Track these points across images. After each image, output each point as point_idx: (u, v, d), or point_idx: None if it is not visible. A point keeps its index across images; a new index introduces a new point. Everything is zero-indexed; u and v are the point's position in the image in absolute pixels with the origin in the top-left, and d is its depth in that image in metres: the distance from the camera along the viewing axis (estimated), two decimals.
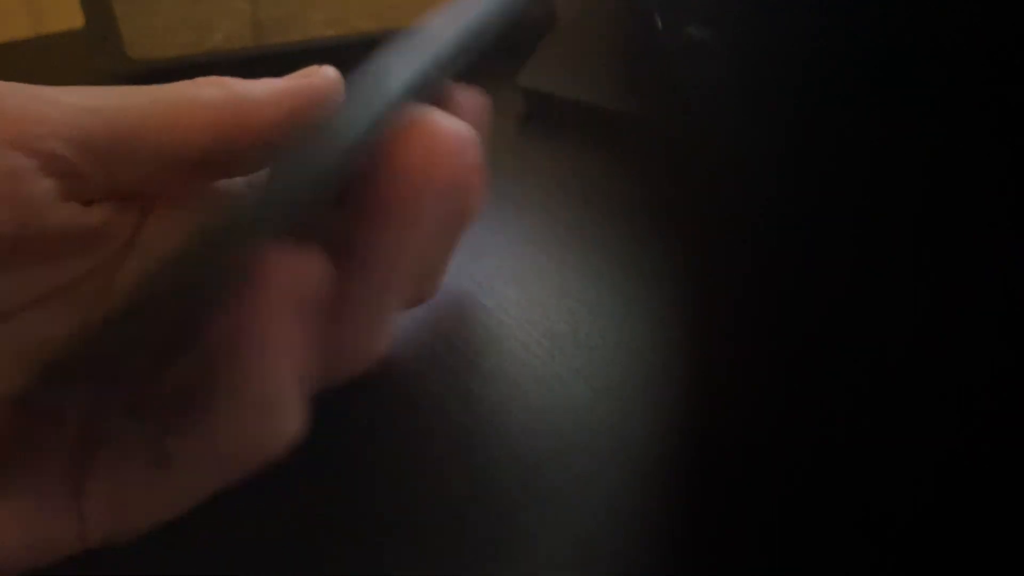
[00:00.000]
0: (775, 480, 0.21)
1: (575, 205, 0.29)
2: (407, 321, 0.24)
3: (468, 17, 0.21)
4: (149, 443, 0.15)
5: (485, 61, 0.37)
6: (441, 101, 0.21)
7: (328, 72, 0.20)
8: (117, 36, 0.35)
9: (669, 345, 0.24)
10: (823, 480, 0.21)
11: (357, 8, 0.38)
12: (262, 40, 0.35)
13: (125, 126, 0.17)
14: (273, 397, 0.16)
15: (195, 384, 0.15)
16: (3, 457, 0.15)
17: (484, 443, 0.21)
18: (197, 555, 0.19)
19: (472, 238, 0.28)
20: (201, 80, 0.18)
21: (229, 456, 0.16)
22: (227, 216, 0.15)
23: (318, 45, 0.35)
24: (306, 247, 0.15)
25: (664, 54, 0.31)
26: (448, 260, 0.21)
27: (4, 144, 0.16)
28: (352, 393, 0.21)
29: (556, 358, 0.23)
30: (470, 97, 0.22)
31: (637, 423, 0.22)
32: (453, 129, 0.18)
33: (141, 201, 0.18)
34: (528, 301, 0.25)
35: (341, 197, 0.17)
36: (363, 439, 0.21)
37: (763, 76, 0.27)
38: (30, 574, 0.17)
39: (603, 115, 0.31)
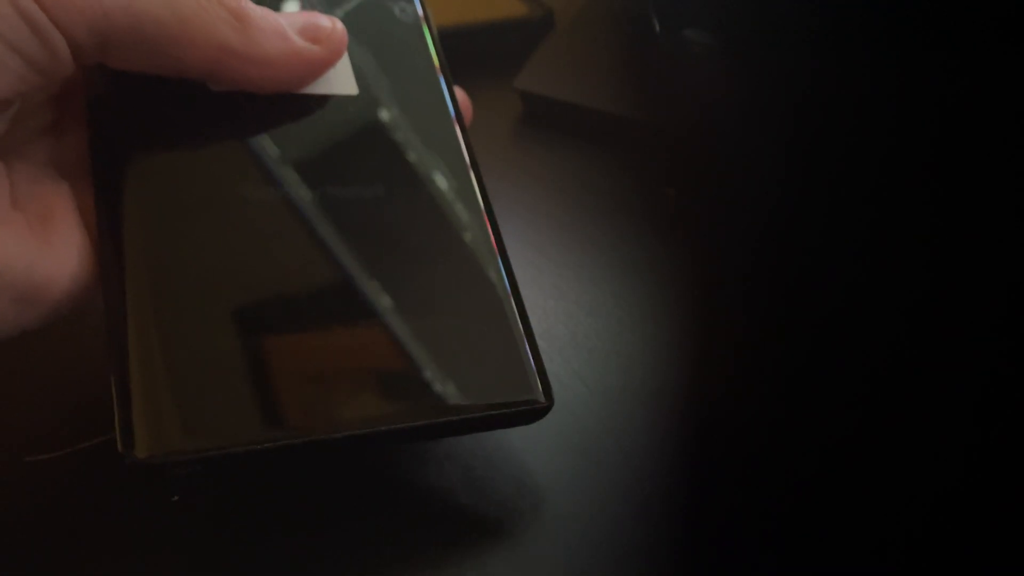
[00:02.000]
0: (775, 481, 0.21)
1: (573, 207, 0.29)
2: None
3: None
4: None
5: (484, 63, 0.37)
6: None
7: (340, 40, 0.21)
8: None
9: (668, 346, 0.24)
10: (824, 482, 0.21)
11: None
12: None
13: (139, 26, 0.18)
14: None
15: None
16: None
17: (482, 444, 0.21)
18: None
19: None
20: (223, 13, 0.19)
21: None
22: None
23: None
24: None
25: (661, 57, 0.31)
26: None
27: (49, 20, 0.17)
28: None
29: (554, 359, 0.23)
30: (458, 95, 0.23)
31: (635, 424, 0.22)
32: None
33: None
34: (525, 303, 0.25)
35: None
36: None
37: (760, 78, 0.27)
38: None
39: (601, 118, 0.31)
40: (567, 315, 0.25)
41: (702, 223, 0.28)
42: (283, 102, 0.21)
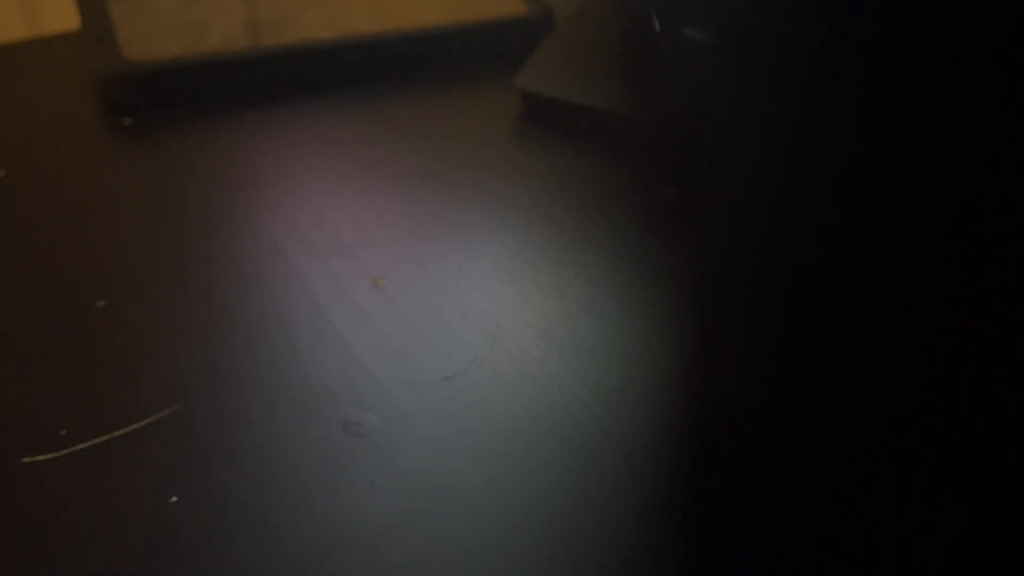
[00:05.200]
0: (778, 483, 0.21)
1: (572, 207, 0.29)
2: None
3: None
4: None
5: (484, 63, 0.37)
6: None
7: None
8: (113, 38, 0.35)
9: (668, 346, 0.24)
10: (827, 483, 0.21)
11: (354, 9, 0.38)
12: (259, 41, 0.35)
13: None
14: None
15: None
16: None
17: (482, 446, 0.21)
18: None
19: (469, 239, 0.28)
20: None
21: None
22: None
23: (315, 46, 0.35)
24: None
25: (662, 56, 0.31)
26: None
27: None
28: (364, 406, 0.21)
29: (554, 360, 0.23)
30: None
31: (636, 426, 0.22)
32: None
33: None
34: (525, 303, 0.25)
35: None
36: (372, 451, 0.21)
37: (761, 77, 0.27)
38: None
39: (601, 117, 0.31)
40: (567, 315, 0.25)
41: (702, 223, 0.28)
42: None
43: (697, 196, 0.28)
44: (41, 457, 0.20)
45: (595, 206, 0.28)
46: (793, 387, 0.23)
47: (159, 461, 0.20)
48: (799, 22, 0.25)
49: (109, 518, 0.19)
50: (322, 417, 0.22)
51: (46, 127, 0.33)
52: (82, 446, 0.20)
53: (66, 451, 0.20)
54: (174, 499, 0.19)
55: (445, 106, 0.34)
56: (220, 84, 0.34)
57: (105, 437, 0.21)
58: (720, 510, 0.20)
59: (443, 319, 0.24)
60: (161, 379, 0.22)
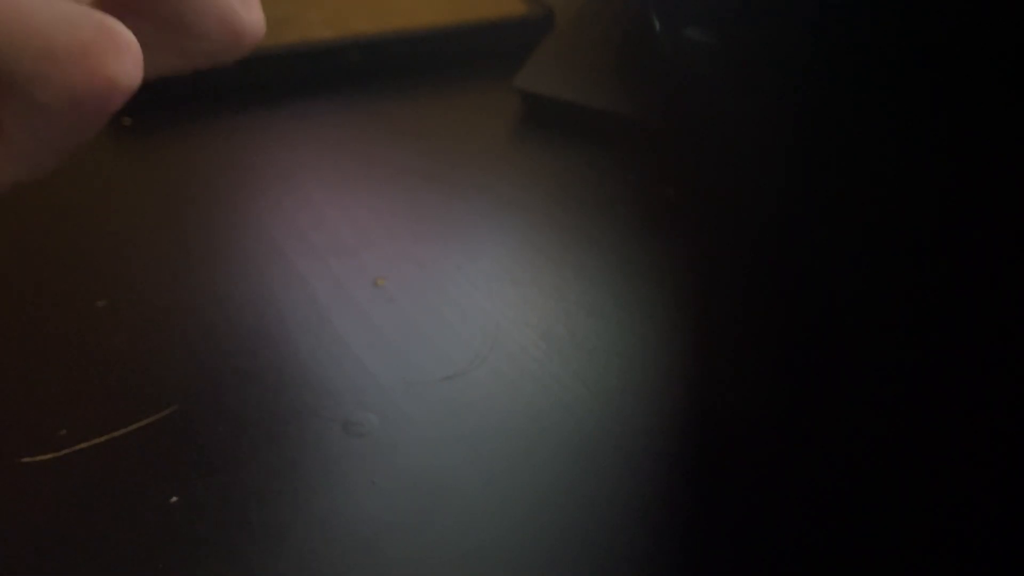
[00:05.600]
0: (777, 483, 0.21)
1: (572, 207, 0.29)
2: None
3: None
4: None
5: (484, 63, 0.37)
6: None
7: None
8: None
9: (668, 346, 0.24)
10: (827, 484, 0.21)
11: (354, 9, 0.37)
12: (259, 41, 0.35)
13: None
14: None
15: None
16: None
17: (482, 446, 0.21)
18: None
19: (469, 239, 0.28)
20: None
21: (57, 122, 0.17)
22: None
23: (315, 46, 0.35)
24: None
25: (661, 56, 0.31)
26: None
27: None
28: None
29: (554, 360, 0.23)
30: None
31: (636, 426, 0.22)
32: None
33: None
34: (525, 303, 0.25)
35: None
36: (372, 451, 0.21)
37: (760, 77, 0.27)
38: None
39: (600, 117, 0.31)
40: (567, 315, 0.25)
41: (702, 223, 0.28)
42: None
43: (697, 196, 0.28)
44: (41, 457, 0.20)
45: (595, 206, 0.28)
46: (792, 387, 0.23)
47: (159, 461, 0.20)
48: (798, 22, 0.25)
49: (109, 518, 0.19)
50: (322, 417, 0.22)
51: None
52: (82, 446, 0.20)
53: (66, 451, 0.20)
54: (174, 499, 0.19)
55: (445, 106, 0.34)
56: (220, 84, 0.34)
57: (105, 437, 0.21)
58: (720, 510, 0.20)
59: (443, 319, 0.24)
60: (161, 379, 0.22)
